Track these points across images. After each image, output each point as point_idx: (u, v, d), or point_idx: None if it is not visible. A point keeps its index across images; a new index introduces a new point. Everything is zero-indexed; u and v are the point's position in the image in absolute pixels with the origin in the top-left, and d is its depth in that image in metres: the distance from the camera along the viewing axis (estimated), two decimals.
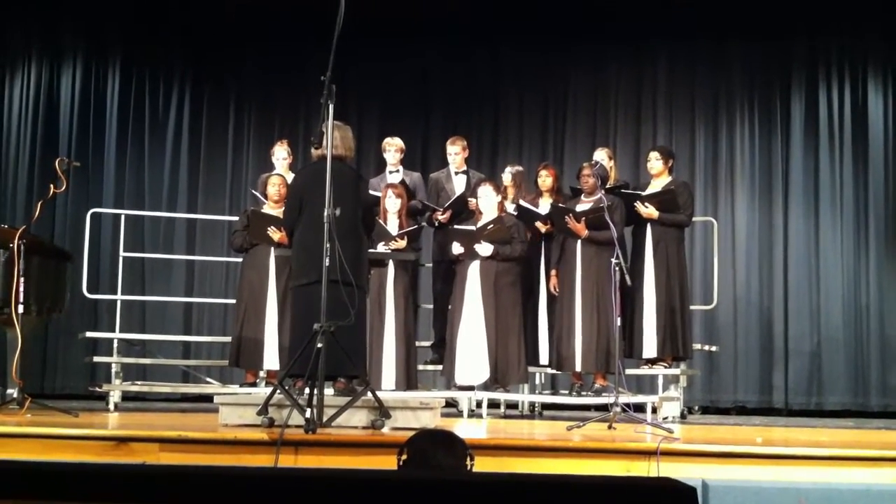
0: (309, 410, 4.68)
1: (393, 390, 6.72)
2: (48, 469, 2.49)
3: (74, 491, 2.27)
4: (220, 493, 2.30)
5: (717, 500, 4.08)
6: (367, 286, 5.72)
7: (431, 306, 7.81)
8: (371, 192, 6.63)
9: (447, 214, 7.36)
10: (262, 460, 4.38)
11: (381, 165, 8.07)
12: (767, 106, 9.62)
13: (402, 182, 7.36)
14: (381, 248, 6.93)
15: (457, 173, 7.66)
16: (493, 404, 7.31)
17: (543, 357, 7.28)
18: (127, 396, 7.84)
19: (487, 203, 7.10)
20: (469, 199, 7.38)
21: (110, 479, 2.37)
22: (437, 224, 7.50)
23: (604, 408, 6.34)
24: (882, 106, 9.43)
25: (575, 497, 2.01)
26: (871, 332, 9.11)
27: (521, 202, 7.32)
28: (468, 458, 3.02)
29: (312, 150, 5.35)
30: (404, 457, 2.98)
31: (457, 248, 7.06)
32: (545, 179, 7.47)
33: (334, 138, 5.32)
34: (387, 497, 2.11)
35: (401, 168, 7.64)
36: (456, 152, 7.64)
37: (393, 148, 7.62)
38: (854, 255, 9.25)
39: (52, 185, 6.27)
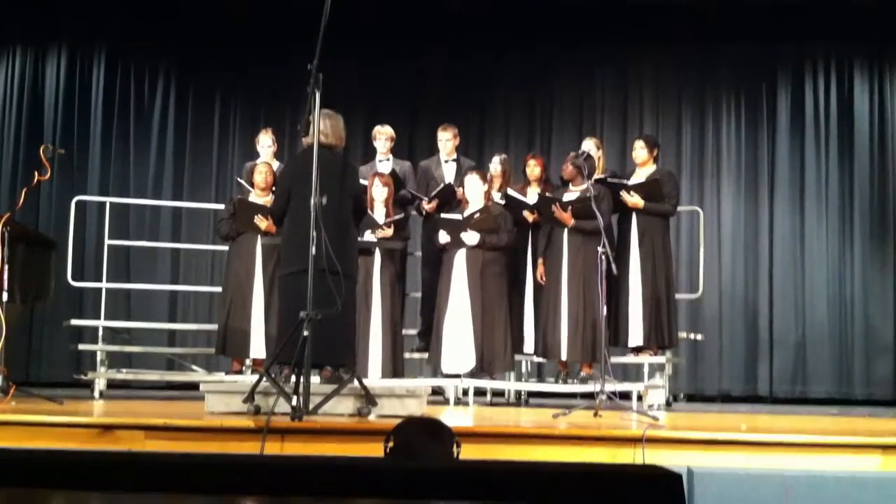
0: (295, 398, 4.69)
1: (379, 378, 6.72)
2: (33, 456, 2.48)
3: (60, 478, 2.26)
4: (207, 481, 2.30)
5: (703, 487, 4.10)
6: (357, 275, 5.70)
7: (419, 294, 7.81)
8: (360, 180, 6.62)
9: (433, 203, 7.35)
10: (248, 448, 4.37)
11: (367, 154, 8.05)
12: (754, 98, 9.64)
13: (393, 171, 7.35)
14: (367, 236, 6.93)
15: (447, 161, 7.65)
16: (480, 392, 7.32)
17: (529, 345, 7.30)
18: (112, 384, 7.82)
19: (474, 192, 7.10)
20: (456, 188, 7.37)
21: (96, 466, 2.36)
22: (424, 213, 7.49)
23: (590, 396, 6.35)
24: (868, 100, 9.47)
25: (561, 484, 2.02)
26: (856, 322, 9.17)
27: (509, 191, 7.32)
28: (455, 446, 3.03)
29: (302, 139, 5.33)
30: (391, 444, 2.98)
31: (443, 237, 7.06)
32: (533, 169, 7.47)
33: (325, 126, 5.33)
34: (373, 485, 2.11)
35: (391, 157, 7.62)
36: (447, 139, 7.62)
37: (383, 136, 7.60)
38: (839, 247, 9.30)
39: (36, 173, 6.24)
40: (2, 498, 2.07)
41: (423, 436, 3.00)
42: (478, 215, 6.99)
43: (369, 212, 6.90)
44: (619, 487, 1.95)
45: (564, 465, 2.62)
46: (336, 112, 5.55)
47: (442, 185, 7.40)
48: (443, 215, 7.20)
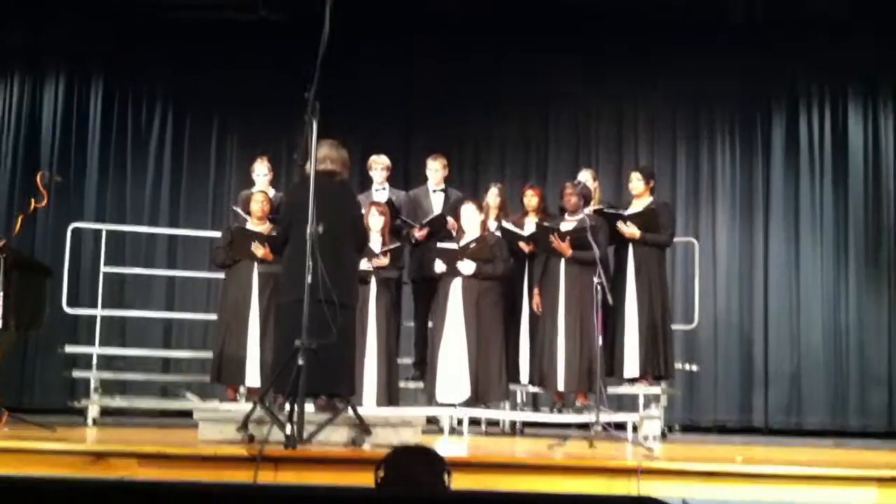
0: (289, 427, 4.67)
1: (374, 407, 6.70)
2: (26, 484, 2.47)
3: None
4: None
5: None
6: (355, 305, 5.70)
7: (412, 324, 7.80)
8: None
9: (423, 232, 7.36)
10: (241, 476, 4.36)
11: (363, 183, 8.07)
12: (748, 129, 9.68)
13: (390, 202, 7.36)
14: (363, 265, 6.92)
15: (435, 191, 7.66)
16: (474, 422, 7.29)
17: (525, 375, 7.28)
18: (106, 411, 7.77)
19: (470, 222, 7.11)
20: (448, 217, 7.38)
21: (89, 493, 2.35)
22: (414, 241, 7.50)
23: (585, 426, 6.34)
24: (862, 130, 9.51)
25: None
26: (851, 353, 9.16)
27: (504, 223, 7.34)
28: (446, 474, 3.01)
29: (305, 167, 5.34)
30: (381, 473, 2.96)
31: (439, 266, 7.06)
32: (531, 199, 7.48)
33: (330, 152, 5.40)
34: None
35: (387, 186, 7.64)
36: (436, 169, 7.65)
37: (379, 166, 7.62)
38: (834, 277, 9.31)
39: (33, 200, 6.24)
40: None
41: (413, 464, 2.98)
42: (474, 245, 7.00)
43: None
44: None
45: (559, 497, 2.61)
46: (338, 142, 5.61)
47: (434, 215, 7.41)
48: (439, 244, 7.20)
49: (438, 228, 7.38)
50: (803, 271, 9.37)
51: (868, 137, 9.50)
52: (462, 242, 7.08)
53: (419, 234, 7.36)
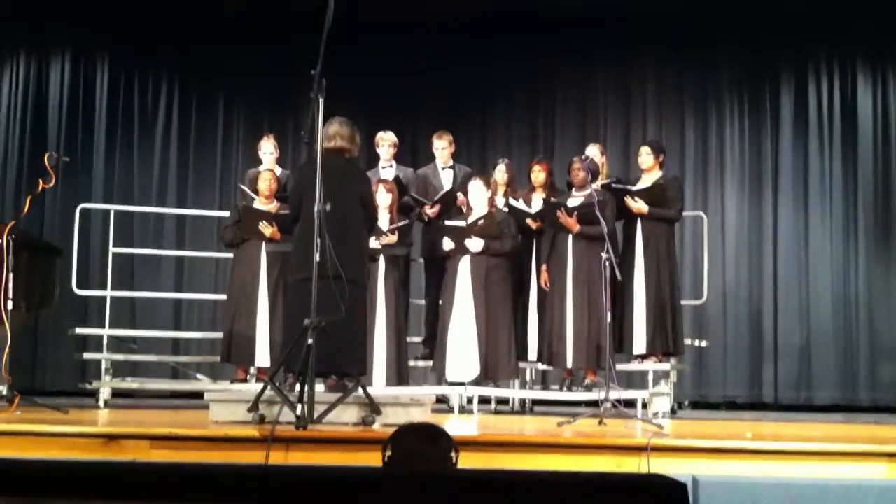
0: (299, 407, 4.68)
1: (384, 386, 6.71)
2: (38, 466, 2.48)
3: (65, 488, 2.26)
4: (211, 490, 2.30)
5: (708, 496, 4.09)
6: (366, 282, 5.71)
7: (423, 301, 7.80)
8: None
9: (435, 209, 7.35)
10: (252, 457, 4.37)
11: (370, 160, 8.06)
12: (756, 100, 9.64)
13: (397, 178, 7.35)
14: (372, 243, 6.92)
15: (444, 168, 7.65)
16: (484, 400, 7.31)
17: (533, 353, 7.28)
18: (117, 393, 7.81)
19: (477, 198, 7.10)
20: (458, 193, 7.37)
21: (101, 476, 2.36)
22: (426, 219, 7.49)
23: (594, 403, 6.35)
24: (871, 100, 9.46)
25: (566, 493, 2.01)
26: (861, 326, 9.15)
27: (511, 201, 7.32)
28: (453, 452, 3.01)
29: (314, 145, 5.33)
30: (389, 452, 2.97)
31: (447, 244, 7.06)
32: (538, 174, 7.45)
33: (340, 129, 5.40)
34: (375, 493, 2.10)
35: (394, 163, 7.63)
36: (443, 147, 7.63)
37: (386, 143, 7.61)
38: (843, 250, 9.29)
39: (40, 181, 6.23)
40: None
41: (420, 442, 2.98)
42: (482, 222, 6.98)
43: None
44: (624, 496, 1.94)
45: (569, 475, 2.61)
46: (349, 119, 5.62)
47: (444, 191, 7.40)
48: (446, 222, 7.20)
49: (449, 205, 7.36)
50: (812, 244, 9.34)
51: (877, 108, 9.45)
52: (470, 219, 7.06)
53: (431, 211, 7.34)
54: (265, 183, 7.27)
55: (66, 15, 9.94)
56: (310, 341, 4.79)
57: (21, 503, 2.16)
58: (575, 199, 7.07)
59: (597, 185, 7.08)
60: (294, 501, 2.12)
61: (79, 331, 7.89)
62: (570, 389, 7.15)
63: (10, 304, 5.90)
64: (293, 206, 5.65)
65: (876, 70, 9.50)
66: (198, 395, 6.91)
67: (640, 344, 6.99)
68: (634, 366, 7.20)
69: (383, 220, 7.05)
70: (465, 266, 7.04)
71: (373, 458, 4.25)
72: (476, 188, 7.12)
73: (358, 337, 5.52)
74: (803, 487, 4.15)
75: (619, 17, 9.53)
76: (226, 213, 7.89)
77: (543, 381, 8.13)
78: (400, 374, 6.93)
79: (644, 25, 9.59)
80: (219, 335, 7.50)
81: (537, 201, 7.33)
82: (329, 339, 4.89)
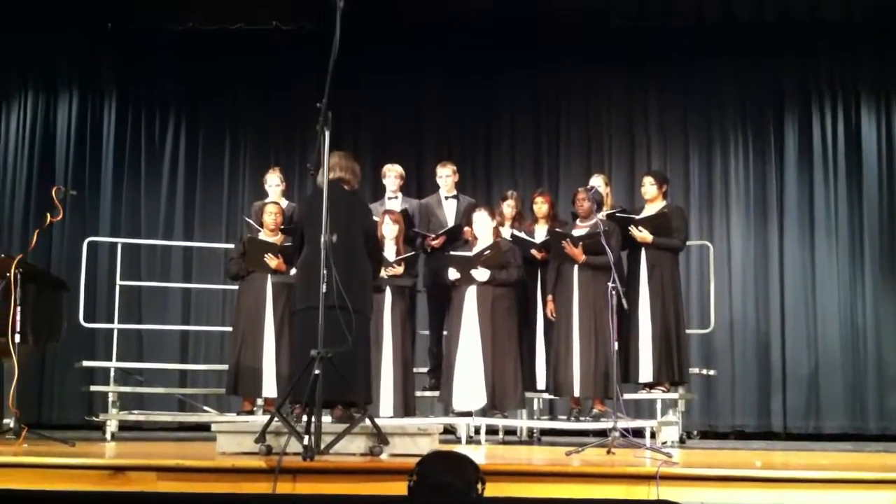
0: (307, 437, 4.68)
1: (391, 417, 6.70)
2: (46, 498, 2.48)
3: None
4: None
5: None
6: (370, 312, 5.72)
7: (427, 332, 7.80)
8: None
9: (440, 240, 7.36)
10: (259, 488, 4.36)
11: (375, 192, 8.09)
12: (761, 130, 9.66)
13: (405, 211, 7.37)
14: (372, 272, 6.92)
15: (447, 198, 7.67)
16: (492, 430, 7.29)
17: (541, 383, 7.27)
18: (124, 426, 7.81)
19: (482, 229, 7.12)
20: (464, 227, 7.39)
21: None
22: (429, 250, 7.50)
23: (602, 433, 6.32)
24: (875, 129, 9.48)
25: None
26: (869, 355, 9.12)
27: (515, 232, 7.34)
28: (479, 482, 3.00)
29: (316, 178, 5.38)
30: (414, 478, 2.95)
31: (453, 274, 7.06)
32: (541, 206, 7.47)
33: (340, 165, 5.45)
34: None
35: (400, 195, 7.65)
36: (447, 175, 7.66)
37: (392, 174, 7.64)
38: (850, 279, 9.27)
39: (48, 214, 6.28)
40: None
41: (446, 471, 2.97)
42: (488, 252, 7.00)
43: None
44: None
45: (581, 502, 2.60)
46: (349, 153, 5.66)
47: (450, 226, 7.42)
48: (452, 252, 7.21)
49: (454, 238, 7.38)
50: (819, 274, 9.33)
51: (882, 139, 9.46)
52: (475, 250, 7.08)
53: (436, 242, 7.36)
54: (270, 216, 7.30)
55: (74, 51, 10.03)
56: (316, 371, 4.80)
57: None
58: (580, 230, 7.09)
59: (602, 215, 7.10)
60: None
61: (86, 363, 7.92)
62: (577, 419, 7.14)
63: (17, 338, 5.93)
64: (296, 239, 5.70)
65: (880, 100, 9.53)
66: (205, 427, 6.90)
67: (646, 373, 6.98)
68: (642, 395, 7.19)
69: (389, 251, 7.07)
70: (471, 296, 7.04)
71: (381, 489, 4.26)
72: (481, 219, 7.15)
73: (362, 366, 5.52)
74: None
75: (622, 49, 9.60)
76: (232, 246, 7.92)
77: (551, 410, 8.13)
78: (407, 405, 6.91)
79: (647, 57, 9.66)
80: (225, 367, 7.49)
81: (540, 232, 7.35)
82: (335, 369, 4.90)
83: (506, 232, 7.37)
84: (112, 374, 7.55)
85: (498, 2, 9.21)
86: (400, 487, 3.79)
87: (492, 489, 4.26)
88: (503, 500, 2.59)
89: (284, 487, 4.36)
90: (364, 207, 5.86)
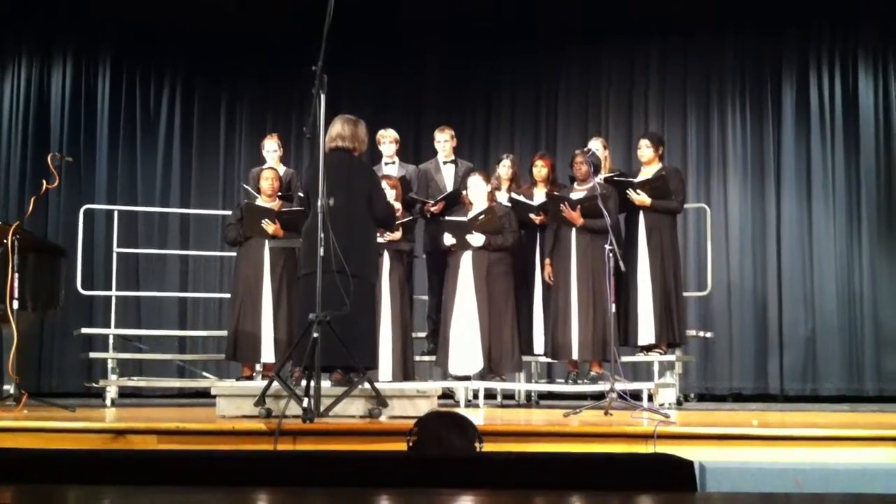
0: (306, 400, 4.70)
1: (390, 381, 6.73)
2: (50, 455, 2.50)
3: (76, 475, 2.28)
4: (219, 474, 2.31)
5: (714, 482, 4.09)
6: (372, 277, 5.72)
7: (426, 297, 7.81)
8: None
9: (439, 206, 7.36)
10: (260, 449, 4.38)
11: (372, 158, 8.07)
12: (758, 92, 9.63)
13: (403, 178, 7.36)
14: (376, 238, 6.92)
15: (445, 162, 7.66)
16: (489, 395, 7.32)
17: (538, 347, 7.29)
18: (123, 393, 7.84)
19: (477, 193, 7.10)
20: (463, 192, 7.38)
21: (110, 463, 2.38)
22: (428, 216, 7.50)
23: (600, 396, 6.36)
24: (872, 91, 9.45)
25: (578, 472, 2.03)
26: (865, 316, 9.14)
27: (513, 195, 7.33)
28: (478, 441, 3.03)
29: (324, 143, 5.36)
30: (414, 438, 2.98)
31: (448, 239, 7.06)
32: (541, 169, 7.45)
33: (342, 129, 5.45)
34: (396, 475, 2.12)
35: (397, 160, 7.64)
36: (445, 140, 7.64)
37: (387, 139, 7.63)
38: (847, 241, 9.28)
39: (44, 182, 6.26)
40: (21, 493, 2.09)
41: (446, 429, 3.00)
42: (482, 216, 6.99)
43: None
44: (634, 473, 1.96)
45: (580, 455, 2.63)
46: (354, 118, 5.64)
47: (449, 191, 7.42)
48: (447, 217, 7.20)
49: (453, 203, 7.38)
50: (816, 236, 9.34)
51: (879, 101, 9.43)
52: (470, 215, 7.07)
53: (435, 208, 7.35)
54: (267, 182, 7.29)
55: (68, 15, 9.96)
56: (315, 335, 4.82)
57: (35, 489, 2.18)
58: (578, 193, 7.08)
59: (599, 178, 7.09)
60: (326, 482, 2.14)
61: (84, 331, 7.93)
62: (575, 382, 7.17)
63: (16, 304, 5.94)
64: (302, 204, 5.71)
65: (877, 62, 9.48)
66: (204, 393, 6.94)
67: (645, 335, 7.00)
68: (640, 357, 7.22)
69: None
70: (466, 261, 7.04)
71: (380, 449, 4.27)
72: (475, 183, 7.13)
73: (365, 331, 5.53)
74: (809, 472, 4.15)
75: (621, 11, 9.53)
76: (229, 212, 7.91)
77: (549, 374, 8.15)
78: (406, 369, 6.94)
79: (646, 19, 9.60)
80: (224, 333, 7.52)
81: (539, 196, 7.34)
82: (336, 334, 4.91)
83: (503, 196, 7.36)
84: (111, 340, 7.57)
85: None
86: (399, 448, 3.82)
87: (490, 449, 4.30)
88: (503, 454, 2.61)
89: (284, 448, 4.39)
90: (366, 171, 5.84)
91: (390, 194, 7.06)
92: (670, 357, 7.10)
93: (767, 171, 9.49)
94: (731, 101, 9.68)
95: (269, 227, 7.05)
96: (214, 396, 5.33)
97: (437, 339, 7.31)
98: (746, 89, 9.66)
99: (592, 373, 7.09)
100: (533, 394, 7.67)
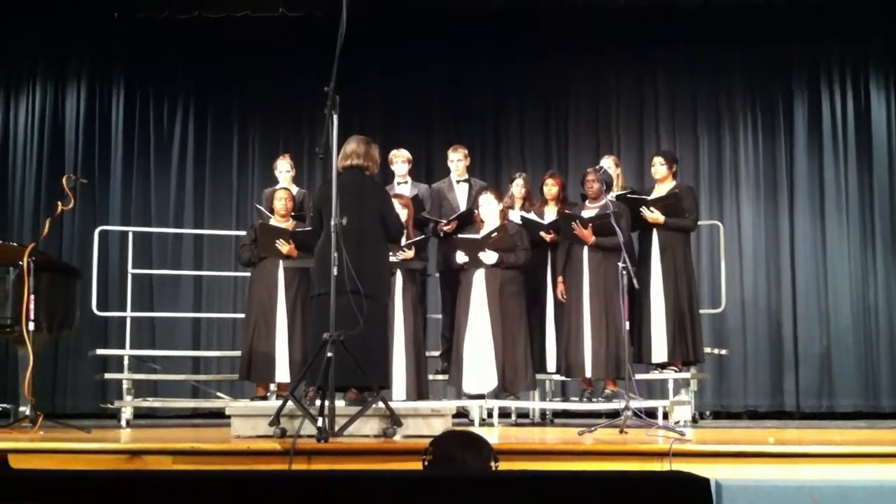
0: (321, 420, 4.70)
1: (404, 400, 6.72)
2: (65, 476, 2.51)
3: (91, 497, 2.29)
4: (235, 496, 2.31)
5: (730, 500, 4.07)
6: (385, 296, 5.74)
7: (439, 316, 7.81)
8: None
9: (452, 224, 7.37)
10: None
11: (385, 178, 8.09)
12: (770, 109, 9.64)
13: (416, 196, 7.38)
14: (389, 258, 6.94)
15: (458, 182, 7.68)
16: (504, 414, 7.31)
17: (551, 365, 7.27)
18: (138, 414, 7.85)
19: (489, 211, 7.11)
20: (475, 210, 7.39)
21: (127, 484, 2.38)
22: (441, 234, 7.51)
23: (615, 414, 6.34)
24: (885, 108, 9.46)
25: (592, 490, 2.02)
26: (881, 333, 9.11)
27: (524, 213, 7.34)
28: (493, 461, 3.02)
29: (338, 163, 5.40)
30: (429, 457, 2.97)
31: (461, 257, 7.07)
32: (551, 188, 7.46)
33: (357, 148, 5.48)
34: (412, 494, 2.12)
35: (409, 179, 7.67)
36: (458, 159, 7.67)
37: (400, 159, 7.66)
38: (861, 257, 9.26)
39: (59, 203, 6.30)
40: None
41: (461, 449, 2.99)
42: (495, 234, 7.00)
43: None
44: (650, 491, 1.95)
45: (595, 473, 2.62)
46: (368, 138, 5.69)
47: (462, 210, 7.43)
48: (460, 235, 7.22)
49: (466, 222, 7.39)
50: (830, 252, 9.32)
51: (891, 115, 9.44)
52: (482, 233, 7.08)
53: (448, 227, 7.36)
54: (280, 202, 7.31)
55: (82, 39, 10.05)
56: (329, 354, 4.83)
57: None
58: (590, 211, 7.08)
59: (611, 195, 7.10)
60: (341, 502, 2.14)
61: (99, 352, 7.95)
62: (590, 400, 7.15)
63: (31, 325, 5.96)
64: (313, 223, 5.73)
65: (889, 77, 9.49)
66: (219, 413, 6.94)
67: (659, 353, 6.98)
68: (654, 375, 7.20)
69: None
70: (479, 279, 7.05)
71: (395, 468, 4.27)
72: (487, 202, 7.14)
73: (378, 350, 5.54)
74: (826, 490, 4.12)
75: (631, 29, 9.56)
76: (243, 232, 7.94)
77: (563, 392, 8.13)
78: (420, 388, 6.93)
79: (656, 36, 9.62)
80: (238, 353, 7.52)
81: (550, 214, 7.35)
82: (349, 353, 4.92)
83: (515, 214, 7.36)
84: (126, 361, 7.59)
85: None
86: (414, 467, 3.82)
87: (505, 468, 4.29)
88: (519, 473, 2.60)
89: (299, 468, 4.39)
90: (380, 190, 5.88)
91: (402, 214, 7.08)
92: (685, 375, 7.07)
93: (780, 187, 9.48)
94: (742, 118, 9.68)
95: (284, 247, 7.07)
96: (229, 417, 5.34)
97: (451, 358, 7.30)
98: (758, 106, 9.67)
99: (607, 391, 7.08)
100: (547, 412, 7.65)
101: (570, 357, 7.00)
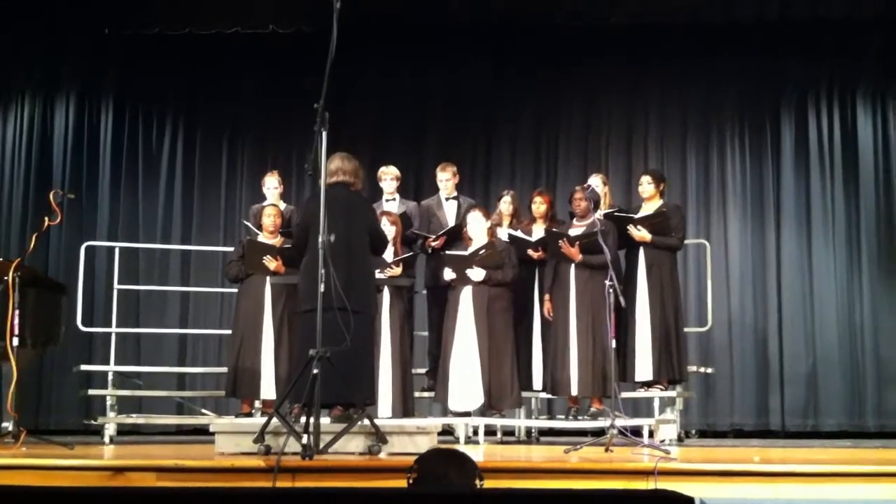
0: (306, 437, 4.69)
1: (389, 417, 6.71)
2: (48, 493, 2.49)
3: None
4: None
5: None
6: (372, 312, 5.74)
7: (426, 333, 7.80)
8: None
9: (440, 241, 7.38)
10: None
11: (373, 195, 8.10)
12: (758, 129, 9.68)
13: (404, 215, 7.39)
14: (377, 274, 6.93)
15: (447, 199, 7.69)
16: (490, 431, 7.29)
17: (538, 382, 7.27)
18: (122, 430, 7.81)
19: (477, 228, 7.12)
20: (464, 228, 7.40)
21: (110, 501, 2.37)
22: (430, 251, 7.52)
23: (601, 432, 6.34)
24: (871, 127, 9.51)
25: None
26: (867, 352, 9.13)
27: (511, 231, 7.35)
28: (478, 479, 3.01)
29: (318, 179, 5.41)
30: (414, 475, 2.96)
31: (448, 274, 7.07)
32: (539, 206, 7.48)
33: (343, 164, 5.49)
34: None
35: (397, 196, 7.68)
36: (447, 178, 7.68)
37: (389, 176, 7.67)
38: (847, 276, 9.29)
39: (46, 218, 6.28)
40: None
41: (446, 467, 2.98)
42: (483, 251, 7.01)
43: None
44: None
45: (581, 492, 2.62)
46: (348, 153, 5.69)
47: (450, 226, 7.44)
48: (448, 252, 7.22)
49: (454, 238, 7.40)
50: (816, 272, 9.35)
51: (878, 136, 9.50)
52: (470, 249, 7.09)
53: (436, 243, 7.37)
54: (269, 218, 7.31)
55: (71, 54, 10.04)
56: (315, 371, 4.82)
57: None
58: (577, 229, 7.10)
59: (599, 214, 7.12)
60: None
61: (84, 367, 7.91)
62: (575, 418, 7.14)
63: (16, 341, 5.93)
64: (299, 239, 5.72)
65: (876, 99, 9.56)
66: (203, 430, 6.92)
67: (644, 371, 6.98)
68: (640, 393, 7.20)
69: (388, 252, 7.07)
70: (466, 296, 7.05)
71: (380, 486, 4.25)
72: (475, 219, 7.16)
73: (364, 367, 5.53)
74: None
75: (620, 48, 9.61)
76: (230, 249, 7.92)
77: (549, 410, 8.13)
78: (406, 405, 6.91)
79: (645, 56, 9.67)
80: (223, 370, 7.50)
81: (538, 231, 7.37)
82: (335, 370, 4.91)
83: (503, 231, 7.38)
84: (110, 377, 7.55)
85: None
86: (399, 485, 3.81)
87: (490, 486, 4.28)
88: (504, 491, 2.60)
89: (283, 486, 4.37)
90: (366, 206, 5.89)
91: (391, 231, 7.09)
92: (671, 393, 7.08)
93: (767, 206, 9.52)
94: (730, 137, 9.73)
95: (271, 263, 7.06)
96: (213, 433, 5.32)
97: (437, 375, 7.29)
98: (746, 125, 9.72)
99: (593, 409, 7.07)
100: (533, 430, 7.64)
101: (557, 374, 7.01)
